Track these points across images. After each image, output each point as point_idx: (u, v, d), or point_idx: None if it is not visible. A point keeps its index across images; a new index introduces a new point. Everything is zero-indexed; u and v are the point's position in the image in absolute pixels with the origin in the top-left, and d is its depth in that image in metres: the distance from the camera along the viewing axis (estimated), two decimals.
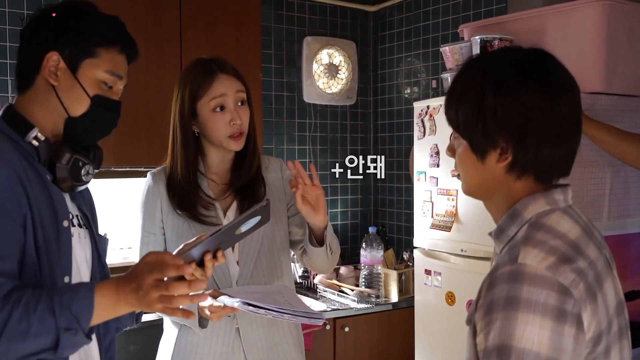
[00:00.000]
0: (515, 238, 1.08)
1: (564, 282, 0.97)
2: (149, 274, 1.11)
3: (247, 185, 1.81)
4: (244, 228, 1.38)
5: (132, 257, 1.85)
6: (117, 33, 1.33)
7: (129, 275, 1.15)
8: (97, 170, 1.37)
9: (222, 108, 1.72)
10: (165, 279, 1.13)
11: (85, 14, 1.30)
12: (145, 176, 1.83)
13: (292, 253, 1.96)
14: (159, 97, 2.84)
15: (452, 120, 1.13)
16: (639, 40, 2.33)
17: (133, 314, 1.46)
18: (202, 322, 1.68)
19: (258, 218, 1.39)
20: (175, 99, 1.76)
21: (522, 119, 1.05)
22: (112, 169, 3.00)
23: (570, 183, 1.14)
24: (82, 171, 1.30)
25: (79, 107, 1.29)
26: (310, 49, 3.70)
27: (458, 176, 1.19)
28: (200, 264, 1.37)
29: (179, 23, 2.92)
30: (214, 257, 1.37)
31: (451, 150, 1.18)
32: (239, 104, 1.74)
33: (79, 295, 1.13)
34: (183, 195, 1.75)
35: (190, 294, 1.15)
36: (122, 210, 3.06)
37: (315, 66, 3.72)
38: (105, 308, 1.14)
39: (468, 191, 1.18)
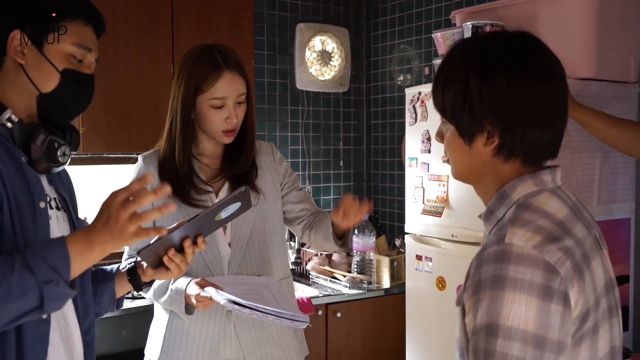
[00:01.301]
0: (504, 219, 1.09)
1: (550, 260, 0.98)
2: (113, 199, 1.13)
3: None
4: (223, 214, 1.37)
5: None
6: (80, 4, 1.31)
7: (97, 214, 1.15)
8: (74, 152, 1.35)
9: (221, 106, 1.73)
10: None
11: None
12: None
13: (287, 237, 1.97)
14: (152, 84, 2.83)
15: (438, 105, 1.14)
16: (630, 27, 2.33)
17: (113, 299, 1.47)
18: (189, 309, 1.69)
19: (238, 204, 1.38)
20: (178, 84, 1.75)
21: (508, 102, 1.05)
22: (104, 155, 3.00)
23: (559, 164, 1.15)
24: (58, 152, 1.29)
25: (49, 82, 1.27)
26: (302, 36, 3.69)
27: (448, 161, 1.20)
28: (181, 249, 1.38)
29: (171, 10, 2.91)
30: (195, 243, 1.38)
31: (440, 136, 1.19)
32: (238, 103, 1.76)
33: (51, 247, 1.13)
34: (178, 179, 1.76)
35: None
36: None
37: (308, 53, 3.71)
38: (81, 254, 1.13)
39: (457, 176, 1.19)
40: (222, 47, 1.77)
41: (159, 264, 1.40)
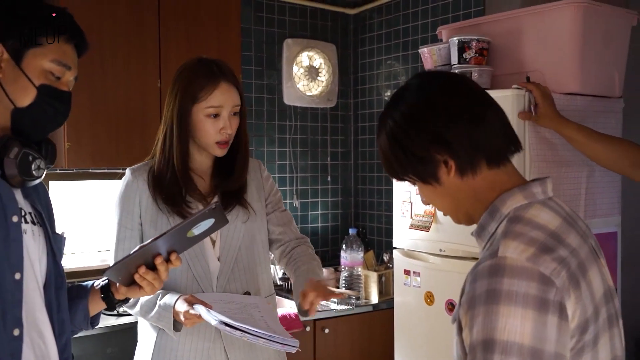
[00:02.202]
0: (496, 234, 1.09)
1: (545, 271, 0.98)
2: None
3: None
4: (196, 231, 1.35)
5: (110, 259, 1.82)
6: (63, 22, 1.30)
7: None
8: (50, 166, 1.33)
9: (216, 116, 1.73)
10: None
11: (28, 3, 1.28)
12: None
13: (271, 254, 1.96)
14: (139, 98, 2.82)
15: (397, 176, 1.18)
16: (614, 42, 2.36)
17: (87, 317, 1.45)
18: (177, 325, 1.67)
19: (212, 220, 1.35)
20: (174, 95, 1.75)
21: (435, 128, 1.10)
22: (91, 170, 2.98)
23: (550, 176, 1.16)
24: (33, 166, 1.27)
25: (25, 97, 1.26)
26: (290, 51, 3.70)
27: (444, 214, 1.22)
28: (154, 267, 1.36)
29: (158, 25, 2.91)
30: (168, 260, 1.36)
31: (422, 197, 1.21)
32: (233, 114, 1.76)
33: None
34: (171, 193, 1.74)
35: None
36: (101, 212, 3.04)
37: (295, 68, 3.72)
38: None
39: (457, 219, 1.20)
40: (218, 60, 1.80)
41: (131, 282, 1.38)
